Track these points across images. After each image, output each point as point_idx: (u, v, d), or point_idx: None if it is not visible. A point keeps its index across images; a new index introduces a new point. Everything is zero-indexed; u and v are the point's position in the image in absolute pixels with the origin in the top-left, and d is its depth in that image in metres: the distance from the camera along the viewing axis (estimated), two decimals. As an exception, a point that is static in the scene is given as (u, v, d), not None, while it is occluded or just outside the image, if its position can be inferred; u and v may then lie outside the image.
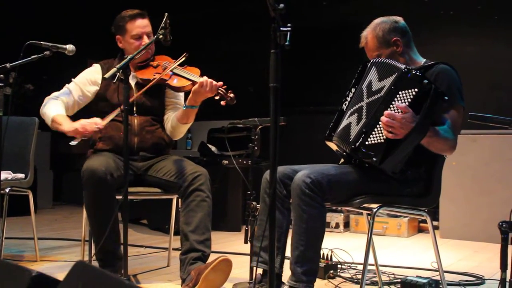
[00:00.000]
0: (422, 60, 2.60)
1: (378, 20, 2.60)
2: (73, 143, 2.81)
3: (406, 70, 2.33)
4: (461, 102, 2.45)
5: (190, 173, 2.83)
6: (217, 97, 2.81)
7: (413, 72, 2.32)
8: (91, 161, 2.77)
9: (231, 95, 2.82)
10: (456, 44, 5.19)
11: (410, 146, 2.29)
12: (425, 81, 2.28)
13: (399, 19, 2.60)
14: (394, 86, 2.33)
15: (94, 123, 2.79)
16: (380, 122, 2.29)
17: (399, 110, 2.26)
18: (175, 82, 2.90)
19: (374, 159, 2.31)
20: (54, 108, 2.98)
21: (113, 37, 3.08)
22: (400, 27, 2.57)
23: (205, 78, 2.82)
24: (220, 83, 2.82)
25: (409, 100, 2.29)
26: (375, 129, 2.34)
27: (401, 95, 2.31)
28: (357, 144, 2.37)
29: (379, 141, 2.32)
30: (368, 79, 2.50)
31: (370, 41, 2.58)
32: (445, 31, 5.26)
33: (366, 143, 2.35)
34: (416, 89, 2.29)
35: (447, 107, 2.41)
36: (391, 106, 2.31)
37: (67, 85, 3.09)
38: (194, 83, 2.85)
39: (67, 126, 2.85)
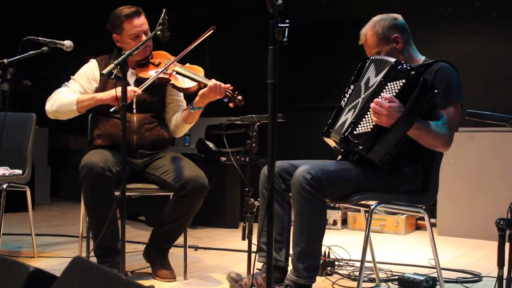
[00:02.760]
0: (421, 58, 2.60)
1: (377, 17, 2.60)
2: (112, 110, 2.76)
3: (395, 62, 2.34)
4: (460, 99, 2.45)
5: (186, 180, 2.81)
6: (225, 100, 2.84)
7: (404, 65, 2.34)
8: (89, 156, 2.76)
9: (239, 97, 2.85)
10: (454, 42, 5.18)
11: (397, 136, 2.31)
12: (413, 72, 2.30)
13: (398, 16, 2.60)
14: (384, 78, 2.36)
15: (131, 90, 2.72)
16: (368, 112, 2.32)
17: (386, 101, 2.27)
18: (180, 83, 2.88)
19: (360, 147, 2.34)
20: (70, 95, 2.91)
21: (111, 34, 3.04)
22: (399, 24, 2.57)
23: (213, 80, 2.82)
24: (228, 85, 2.82)
25: (396, 91, 2.32)
26: (363, 119, 2.37)
27: (389, 86, 2.34)
28: (346, 133, 2.39)
29: (366, 130, 2.34)
30: (366, 76, 2.50)
31: (370, 38, 2.58)
32: (443, 28, 5.26)
33: (354, 132, 2.37)
34: (403, 80, 2.31)
35: (445, 104, 2.42)
36: (379, 97, 2.33)
37: (66, 83, 3.01)
38: (200, 84, 2.84)
39: (102, 95, 2.86)
